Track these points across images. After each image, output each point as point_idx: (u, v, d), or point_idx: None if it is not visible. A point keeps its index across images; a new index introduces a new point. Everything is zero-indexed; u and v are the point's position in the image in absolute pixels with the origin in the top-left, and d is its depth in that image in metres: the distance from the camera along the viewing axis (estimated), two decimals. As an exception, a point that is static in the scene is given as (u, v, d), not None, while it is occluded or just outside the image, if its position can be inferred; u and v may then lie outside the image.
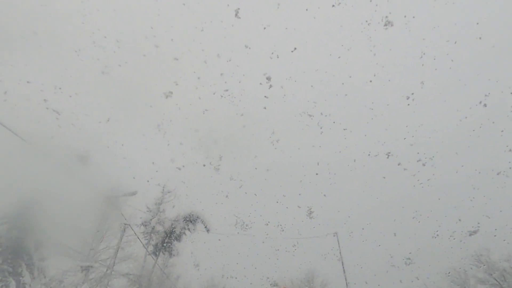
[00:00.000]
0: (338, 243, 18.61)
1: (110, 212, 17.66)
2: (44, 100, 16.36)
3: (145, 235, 23.75)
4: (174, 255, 24.89)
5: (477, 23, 16.66)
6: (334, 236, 19.54)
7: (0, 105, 14.28)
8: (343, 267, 17.99)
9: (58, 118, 16.50)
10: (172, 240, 24.76)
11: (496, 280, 24.07)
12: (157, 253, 23.90)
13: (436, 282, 26.32)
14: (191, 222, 25.45)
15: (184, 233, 25.35)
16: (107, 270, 17.34)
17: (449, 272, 26.87)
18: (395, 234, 26.00)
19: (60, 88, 17.60)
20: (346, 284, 17.73)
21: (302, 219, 23.61)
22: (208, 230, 25.62)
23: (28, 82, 16.91)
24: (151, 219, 24.18)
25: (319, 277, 38.42)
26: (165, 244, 24.50)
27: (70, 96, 18.36)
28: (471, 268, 26.84)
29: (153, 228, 23.93)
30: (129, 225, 18.11)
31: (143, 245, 21.32)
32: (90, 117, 17.92)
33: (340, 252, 18.86)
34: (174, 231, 24.76)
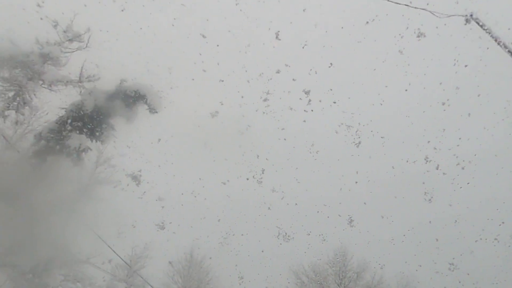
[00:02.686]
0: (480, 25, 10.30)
1: None
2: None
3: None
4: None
5: (508, 29, 17.38)
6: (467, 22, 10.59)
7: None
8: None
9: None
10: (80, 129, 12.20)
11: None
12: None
13: (484, 288, 25.93)
14: (124, 101, 12.79)
15: (111, 127, 12.96)
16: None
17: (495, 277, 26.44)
18: (437, 239, 26.02)
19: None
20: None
21: (343, 227, 24.16)
22: (154, 110, 13.71)
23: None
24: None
25: (353, 259, 30.97)
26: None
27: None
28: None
29: (19, 89, 11.19)
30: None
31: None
32: (142, 138, 19.43)
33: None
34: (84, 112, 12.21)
